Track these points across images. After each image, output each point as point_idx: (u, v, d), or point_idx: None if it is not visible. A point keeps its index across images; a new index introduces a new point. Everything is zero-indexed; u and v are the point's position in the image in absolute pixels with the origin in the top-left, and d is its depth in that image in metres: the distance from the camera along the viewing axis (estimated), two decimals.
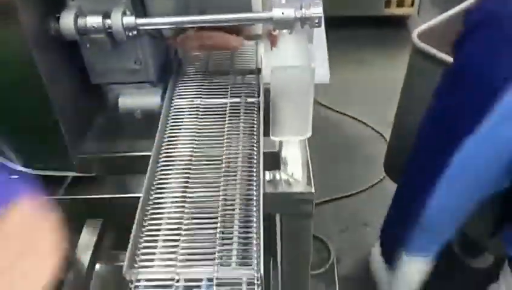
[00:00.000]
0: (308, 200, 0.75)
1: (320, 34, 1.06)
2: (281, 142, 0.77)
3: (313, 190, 0.74)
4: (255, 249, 0.53)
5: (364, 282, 1.49)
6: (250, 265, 0.51)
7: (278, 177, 0.76)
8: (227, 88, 0.76)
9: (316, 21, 0.64)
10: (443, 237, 1.09)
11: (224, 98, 0.74)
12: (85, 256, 1.39)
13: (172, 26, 0.67)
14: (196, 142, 0.67)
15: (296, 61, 0.70)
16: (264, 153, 0.71)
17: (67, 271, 1.36)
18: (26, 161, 0.71)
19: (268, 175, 0.76)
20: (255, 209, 0.58)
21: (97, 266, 1.40)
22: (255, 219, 0.56)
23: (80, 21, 0.63)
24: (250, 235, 0.55)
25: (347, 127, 2.02)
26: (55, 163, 0.72)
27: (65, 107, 0.68)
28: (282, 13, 0.64)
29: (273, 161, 0.76)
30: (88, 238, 1.43)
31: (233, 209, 0.58)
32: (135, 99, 0.75)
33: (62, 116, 0.67)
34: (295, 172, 0.76)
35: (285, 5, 0.65)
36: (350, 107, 2.09)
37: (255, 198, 0.59)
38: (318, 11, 0.64)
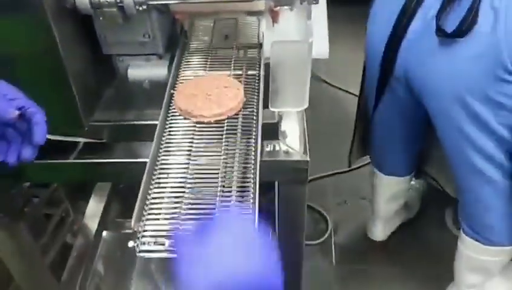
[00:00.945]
0: (303, 169, 0.80)
1: (321, 11, 1.10)
2: (280, 114, 0.82)
3: (308, 159, 0.79)
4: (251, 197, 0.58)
5: (359, 253, 1.56)
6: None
7: (276, 147, 0.81)
8: (230, 61, 0.81)
9: None
10: None
11: (227, 70, 0.79)
12: (92, 223, 1.47)
13: (179, 1, 0.72)
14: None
15: (294, 37, 0.74)
16: (263, 124, 0.76)
17: (75, 237, 1.44)
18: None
19: (267, 145, 0.81)
20: (252, 171, 0.63)
21: (104, 233, 1.48)
22: (252, 181, 0.62)
23: None
24: (246, 195, 0.61)
25: (349, 104, 2.06)
26: (69, 130, 0.77)
27: (79, 77, 0.73)
28: None
29: (272, 131, 0.82)
30: (95, 205, 1.50)
31: (232, 172, 0.63)
32: (143, 71, 0.80)
33: (76, 85, 0.72)
34: (292, 142, 0.81)
35: None
36: (352, 84, 2.13)
37: (252, 162, 0.65)
38: None
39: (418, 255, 1.54)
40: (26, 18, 0.64)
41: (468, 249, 1.22)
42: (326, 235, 1.61)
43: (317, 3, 0.69)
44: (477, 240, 1.19)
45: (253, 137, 0.69)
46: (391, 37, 1.05)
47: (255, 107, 0.73)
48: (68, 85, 0.70)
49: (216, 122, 0.70)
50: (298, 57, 0.71)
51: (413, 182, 1.59)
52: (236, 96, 0.72)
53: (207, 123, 0.70)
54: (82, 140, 0.81)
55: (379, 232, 1.55)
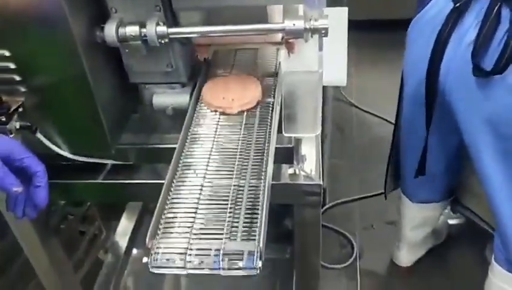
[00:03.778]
0: (317, 193, 0.83)
1: (341, 39, 1.13)
2: (296, 139, 0.85)
3: (321, 183, 0.82)
4: (258, 226, 0.62)
5: (384, 278, 1.55)
6: (254, 239, 0.60)
7: (290, 171, 0.84)
8: None
9: (323, 31, 0.72)
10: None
11: None
12: (123, 240, 1.54)
13: (199, 35, 0.77)
14: (216, 137, 0.77)
15: (307, 67, 0.78)
16: (279, 148, 0.80)
17: (106, 254, 1.50)
18: (74, 149, 0.83)
19: (283, 169, 0.85)
20: (261, 196, 0.67)
21: (134, 250, 1.54)
22: (260, 204, 0.65)
23: (121, 30, 0.75)
24: (255, 217, 0.64)
25: (377, 127, 2.07)
26: (97, 152, 0.83)
27: (107, 104, 0.79)
28: (294, 24, 0.72)
29: (288, 155, 0.85)
30: (126, 223, 1.57)
31: (241, 196, 0.67)
32: (167, 98, 0.86)
33: (104, 111, 0.78)
34: (307, 166, 0.84)
35: (296, 16, 0.74)
36: (381, 107, 2.14)
37: (261, 186, 0.68)
38: (324, 22, 0.72)
39: (445, 283, 1.51)
40: (58, 48, 0.71)
41: (499, 279, 1.19)
42: (351, 260, 1.61)
43: (326, 36, 0.73)
44: (509, 271, 1.16)
45: (265, 161, 0.73)
46: (431, 63, 1.04)
47: (267, 131, 0.77)
48: (96, 111, 0.77)
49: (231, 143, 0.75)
50: (308, 86, 0.75)
51: (447, 210, 1.57)
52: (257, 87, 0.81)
53: (223, 145, 0.75)
54: (110, 162, 0.87)
55: (405, 258, 1.54)
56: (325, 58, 0.90)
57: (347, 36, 1.14)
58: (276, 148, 0.77)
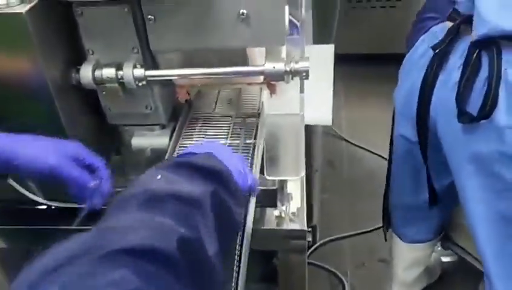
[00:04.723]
0: (302, 237, 0.80)
1: (327, 79, 1.13)
2: (280, 181, 0.82)
3: (305, 228, 0.79)
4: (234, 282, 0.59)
5: None
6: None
7: (275, 214, 0.81)
8: (229, 130, 0.83)
9: (304, 74, 0.71)
10: None
11: (225, 139, 0.81)
12: None
13: (178, 77, 0.76)
14: None
15: (289, 108, 0.76)
16: (263, 189, 0.77)
17: None
18: (49, 194, 0.80)
19: (267, 213, 0.82)
20: (239, 242, 0.64)
21: None
22: (237, 252, 0.62)
23: (97, 72, 0.73)
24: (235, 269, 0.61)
25: (367, 161, 2.05)
26: (72, 197, 0.80)
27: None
28: (274, 67, 0.71)
29: (271, 198, 0.82)
30: None
31: None
32: (146, 140, 0.84)
33: None
34: (290, 210, 0.82)
35: (278, 58, 0.72)
36: (371, 141, 2.13)
37: (240, 232, 0.65)
38: (305, 65, 0.70)
39: None
40: (31, 92, 0.69)
41: None
42: None
43: (307, 78, 0.71)
44: None
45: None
46: (419, 105, 1.03)
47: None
48: None
49: None
50: (290, 129, 0.73)
51: (439, 248, 1.53)
52: None
53: None
54: (83, 207, 0.84)
55: None
56: (311, 96, 0.88)
57: (333, 75, 1.13)
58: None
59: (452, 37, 0.93)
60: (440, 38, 0.95)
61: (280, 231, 0.79)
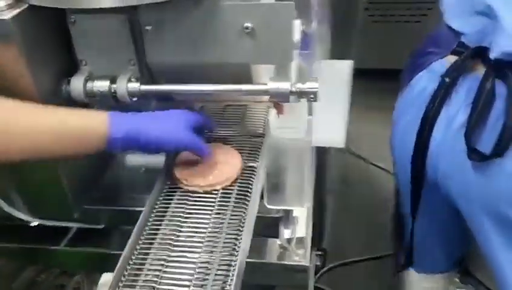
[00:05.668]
0: (305, 271, 0.73)
1: (342, 98, 1.05)
2: (284, 211, 0.76)
3: (307, 264, 0.72)
4: None
5: None
6: None
7: (275, 246, 0.75)
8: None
9: (312, 96, 0.64)
10: None
11: None
12: None
13: (175, 93, 0.70)
14: (189, 203, 0.68)
15: (295, 131, 0.70)
16: (263, 217, 0.71)
17: None
18: (36, 212, 0.75)
19: (269, 244, 0.75)
20: (231, 274, 0.58)
21: None
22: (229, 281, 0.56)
23: (89, 85, 0.67)
24: None
25: (383, 180, 1.97)
26: (59, 215, 0.75)
27: (70, 165, 0.71)
28: (278, 87, 0.64)
29: (272, 228, 0.76)
30: (109, 275, 1.46)
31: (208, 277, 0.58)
32: (140, 158, 0.78)
33: (66, 173, 0.70)
34: (293, 242, 0.75)
35: (283, 77, 0.66)
36: (386, 159, 2.04)
37: (232, 264, 0.59)
38: (313, 86, 0.64)
39: None
40: None
41: None
42: None
43: (315, 100, 0.65)
44: None
45: (240, 235, 0.63)
46: (417, 145, 0.94)
47: (247, 201, 0.68)
48: (55, 173, 0.69)
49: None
50: (295, 154, 0.67)
51: (456, 279, 1.44)
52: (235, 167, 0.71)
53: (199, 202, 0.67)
54: (75, 225, 0.79)
55: None
56: (323, 116, 0.82)
57: (348, 93, 1.05)
58: (259, 217, 0.68)
59: (456, 74, 0.85)
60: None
61: (281, 265, 0.72)
